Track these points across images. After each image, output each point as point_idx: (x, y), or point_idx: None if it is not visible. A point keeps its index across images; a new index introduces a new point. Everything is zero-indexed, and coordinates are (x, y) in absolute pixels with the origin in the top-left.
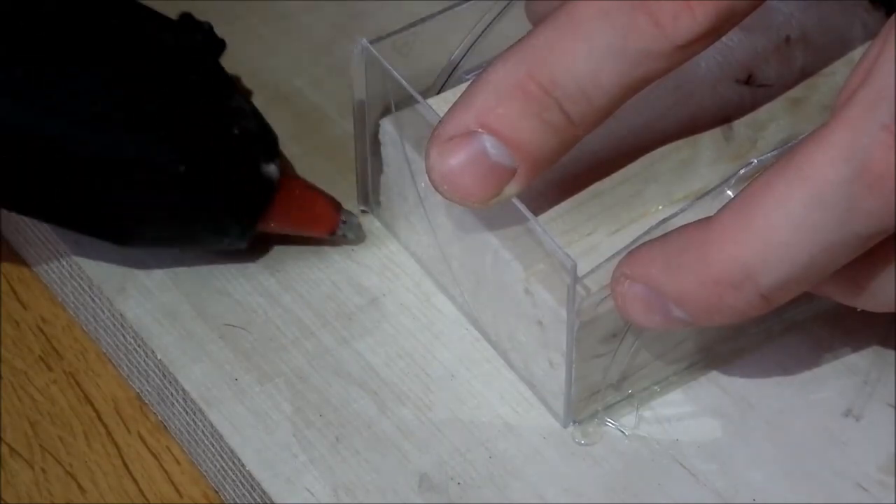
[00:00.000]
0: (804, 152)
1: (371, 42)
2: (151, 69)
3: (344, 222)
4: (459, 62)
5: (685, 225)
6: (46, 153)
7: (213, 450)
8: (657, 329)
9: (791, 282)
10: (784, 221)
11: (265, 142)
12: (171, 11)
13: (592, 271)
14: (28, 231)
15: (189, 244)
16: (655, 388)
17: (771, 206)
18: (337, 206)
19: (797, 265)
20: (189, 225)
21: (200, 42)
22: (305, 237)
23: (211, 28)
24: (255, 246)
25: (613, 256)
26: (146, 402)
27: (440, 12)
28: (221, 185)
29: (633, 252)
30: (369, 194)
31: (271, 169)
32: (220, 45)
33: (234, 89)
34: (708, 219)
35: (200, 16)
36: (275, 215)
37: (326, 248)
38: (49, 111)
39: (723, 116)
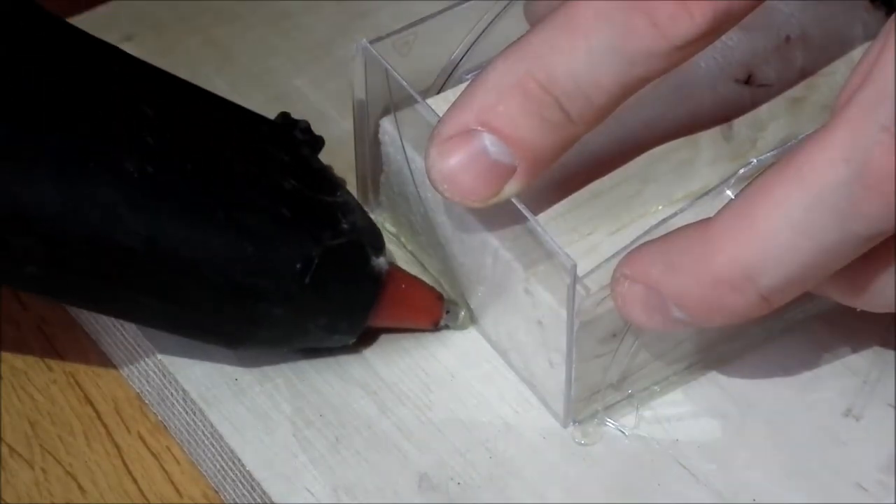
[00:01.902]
0: (804, 153)
1: (371, 42)
2: (262, 175)
3: (447, 312)
4: (459, 62)
5: (685, 226)
6: (169, 271)
7: (213, 450)
8: (657, 330)
9: (791, 283)
10: (784, 222)
11: (372, 234)
12: (173, 17)
13: (592, 271)
14: None
15: (298, 343)
16: (655, 388)
17: (771, 208)
18: (439, 297)
19: (797, 266)
20: (303, 325)
21: (300, 140)
22: (405, 328)
23: (308, 125)
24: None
25: (613, 256)
26: (146, 402)
27: (440, 12)
28: (336, 283)
29: (633, 252)
30: (369, 194)
31: (380, 262)
32: (319, 142)
33: (338, 184)
34: (708, 220)
35: (201, 16)
36: (382, 309)
37: None
38: (175, 229)
39: (723, 116)
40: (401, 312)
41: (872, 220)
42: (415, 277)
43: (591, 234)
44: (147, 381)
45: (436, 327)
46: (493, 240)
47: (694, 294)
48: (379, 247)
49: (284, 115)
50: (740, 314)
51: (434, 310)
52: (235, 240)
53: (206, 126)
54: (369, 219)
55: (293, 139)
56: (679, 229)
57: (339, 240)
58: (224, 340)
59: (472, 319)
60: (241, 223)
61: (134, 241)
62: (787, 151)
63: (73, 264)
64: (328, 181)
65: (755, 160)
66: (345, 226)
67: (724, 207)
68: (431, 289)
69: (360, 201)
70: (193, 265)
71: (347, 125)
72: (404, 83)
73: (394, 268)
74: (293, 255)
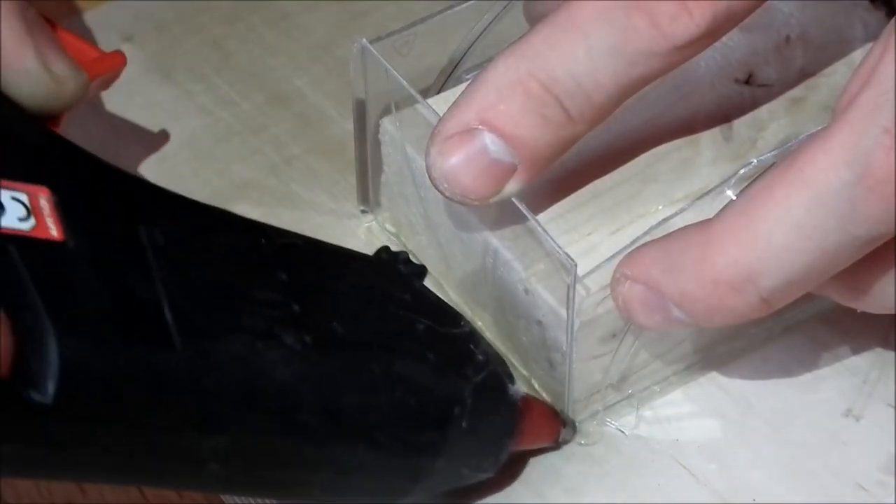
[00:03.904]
0: (805, 155)
1: (371, 42)
2: (398, 320)
3: (564, 425)
4: (459, 62)
5: (686, 226)
6: (342, 441)
7: None
8: (658, 329)
9: (792, 284)
10: (785, 224)
11: (501, 361)
12: (173, 17)
13: (592, 271)
14: None
15: (445, 489)
16: (655, 388)
17: (772, 209)
18: (556, 413)
19: (798, 268)
20: (458, 470)
21: (406, 274)
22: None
23: (408, 256)
24: None
25: (613, 256)
26: None
27: (440, 12)
28: (485, 420)
29: (634, 253)
30: (369, 194)
31: (516, 389)
32: (422, 272)
33: (457, 312)
34: (709, 220)
35: (201, 16)
36: (521, 437)
37: None
38: (343, 395)
39: (722, 116)
40: (533, 437)
41: (873, 223)
42: (536, 398)
43: (591, 234)
44: None
45: (556, 445)
46: (493, 240)
47: (694, 295)
48: (510, 373)
49: (387, 250)
50: (741, 315)
51: (555, 427)
52: (397, 394)
53: (332, 278)
54: (491, 345)
55: (400, 274)
56: (680, 230)
57: (481, 374)
58: (380, 501)
59: (576, 430)
60: (398, 376)
61: (309, 416)
62: (788, 152)
63: (256, 452)
64: (449, 312)
65: (755, 160)
66: (480, 357)
67: (724, 208)
68: (551, 406)
69: (360, 201)
70: (364, 431)
71: (347, 125)
72: (404, 83)
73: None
74: (449, 400)
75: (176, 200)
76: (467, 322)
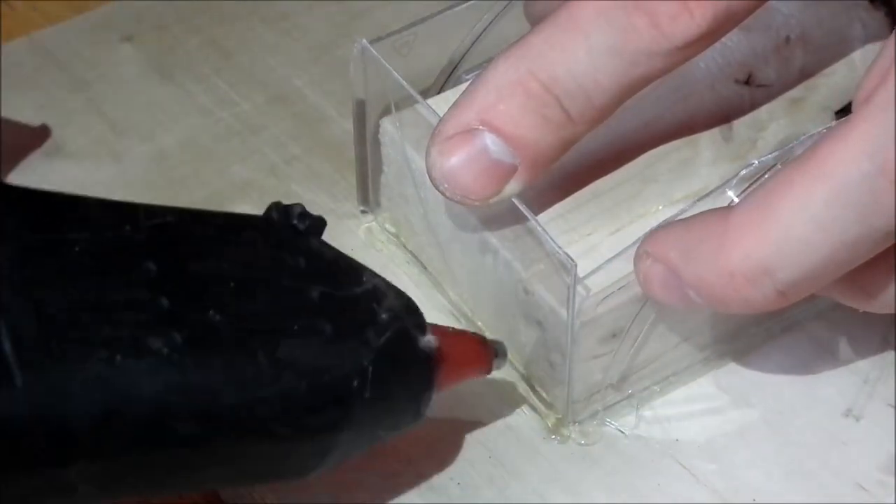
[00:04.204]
0: (825, 148)
1: (371, 42)
2: (287, 293)
3: (497, 356)
4: (459, 62)
5: (707, 211)
6: (228, 439)
7: None
8: (675, 306)
9: (809, 278)
10: (804, 217)
11: (411, 312)
12: (173, 17)
13: (593, 272)
14: None
15: (366, 449)
16: (655, 388)
17: (790, 202)
18: (484, 344)
19: (816, 261)
20: (369, 435)
21: (301, 230)
22: None
23: (303, 208)
24: None
25: (614, 257)
26: None
27: (440, 12)
28: (393, 381)
29: (658, 231)
30: (369, 194)
31: (428, 340)
32: (321, 224)
33: (360, 267)
34: (728, 209)
35: (201, 16)
36: (441, 384)
37: None
38: (223, 396)
39: (722, 116)
40: (459, 376)
41: (894, 215)
42: (460, 333)
43: (591, 234)
44: None
45: (488, 373)
46: (493, 240)
47: (710, 283)
48: (421, 323)
49: (277, 206)
50: (756, 306)
51: (485, 359)
52: (286, 381)
53: (211, 258)
54: (402, 294)
55: (295, 231)
56: (701, 214)
57: (384, 336)
58: (290, 478)
59: (506, 357)
60: (286, 360)
61: (185, 424)
62: (788, 152)
63: (130, 469)
64: (350, 269)
65: (755, 161)
66: (384, 316)
67: (743, 199)
68: (478, 338)
69: (360, 201)
70: (252, 425)
71: (347, 125)
72: (404, 83)
73: (441, 337)
74: (347, 373)
75: (26, 198)
76: (372, 276)
